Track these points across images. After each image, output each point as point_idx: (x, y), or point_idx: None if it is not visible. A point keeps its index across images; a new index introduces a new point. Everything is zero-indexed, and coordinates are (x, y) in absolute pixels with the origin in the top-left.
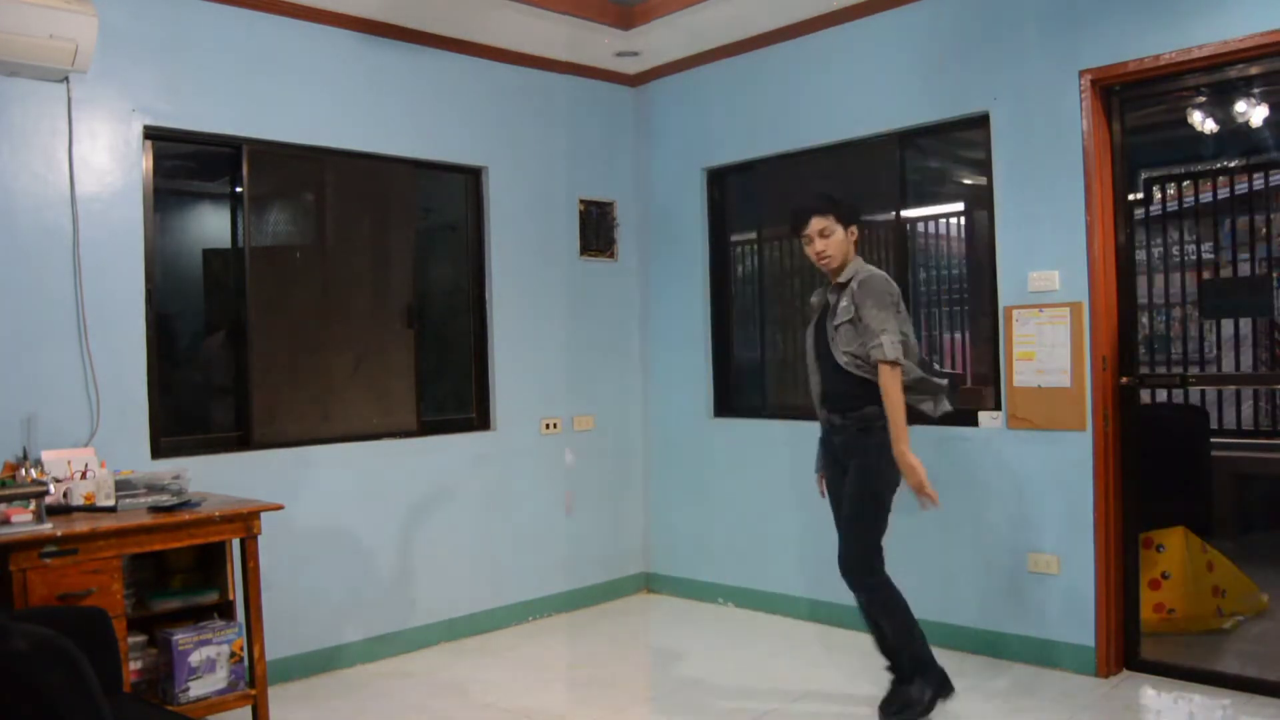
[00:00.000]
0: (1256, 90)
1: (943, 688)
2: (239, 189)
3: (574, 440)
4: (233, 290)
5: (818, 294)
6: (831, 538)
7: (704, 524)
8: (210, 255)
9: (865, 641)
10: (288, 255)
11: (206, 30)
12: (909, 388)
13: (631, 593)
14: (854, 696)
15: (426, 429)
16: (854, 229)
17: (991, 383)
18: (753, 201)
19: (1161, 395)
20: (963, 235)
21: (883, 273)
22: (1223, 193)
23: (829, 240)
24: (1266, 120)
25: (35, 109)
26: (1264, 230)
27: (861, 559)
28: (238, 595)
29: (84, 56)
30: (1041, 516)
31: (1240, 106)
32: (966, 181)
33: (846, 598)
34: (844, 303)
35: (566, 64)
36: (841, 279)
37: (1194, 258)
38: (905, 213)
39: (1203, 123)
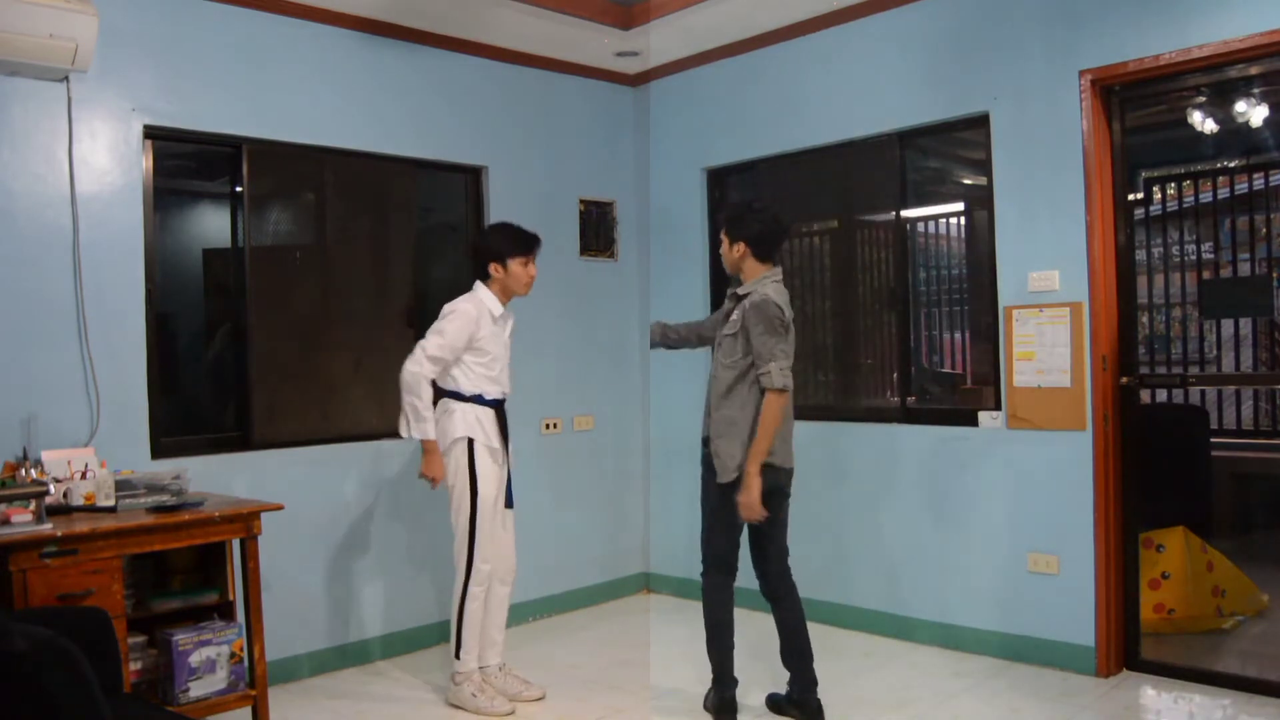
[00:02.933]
0: (1256, 90)
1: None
2: (239, 189)
3: (574, 440)
4: (233, 290)
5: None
6: (828, 538)
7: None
8: (210, 255)
9: (863, 642)
10: (288, 255)
11: (207, 29)
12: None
13: (631, 593)
14: (853, 697)
15: None
16: (740, 245)
17: (991, 383)
18: (754, 201)
19: (1161, 395)
20: (963, 235)
21: (775, 295)
22: (1223, 193)
23: (722, 252)
24: (1266, 120)
25: (35, 109)
26: (1264, 230)
27: (702, 556)
28: (238, 595)
29: (84, 56)
30: (1041, 516)
31: (1240, 106)
32: (966, 181)
33: (845, 598)
34: (735, 315)
35: (566, 64)
36: (740, 290)
37: (1194, 258)
38: (905, 213)
39: (1203, 123)
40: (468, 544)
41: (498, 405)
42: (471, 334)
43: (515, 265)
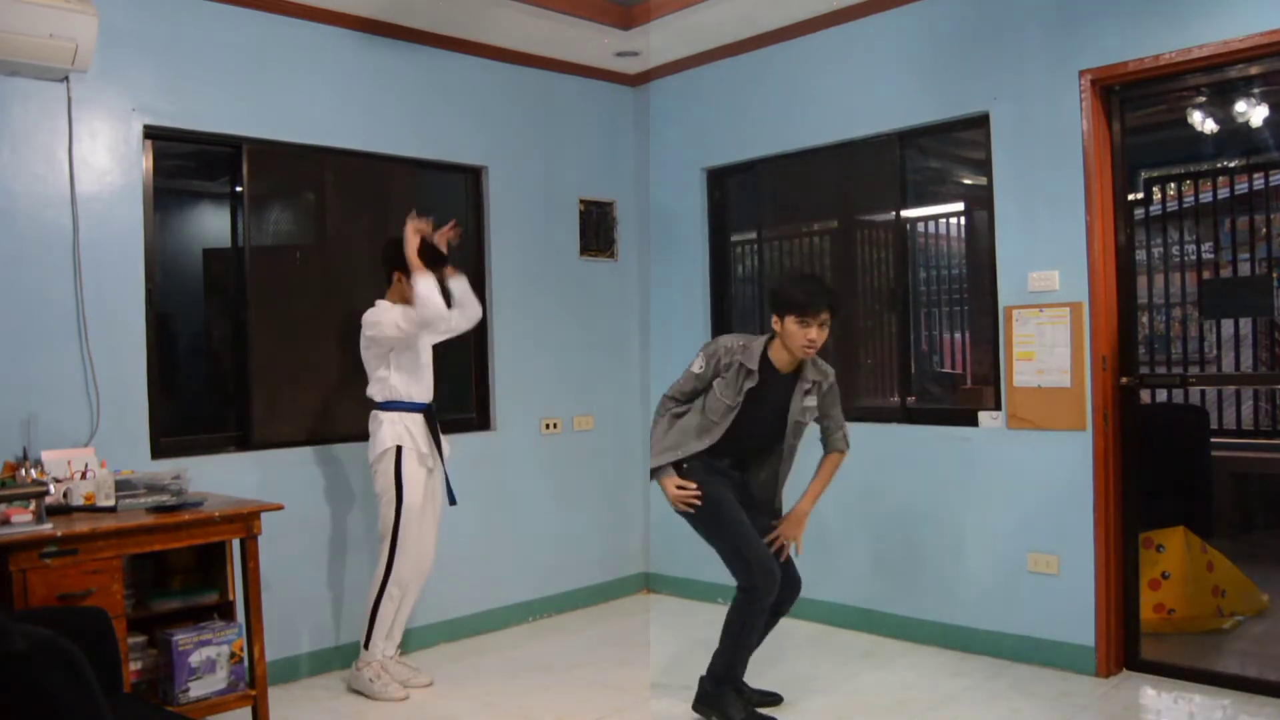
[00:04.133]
0: (1256, 90)
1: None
2: (239, 188)
3: (574, 440)
4: (233, 290)
5: (752, 362)
6: (827, 537)
7: None
8: (210, 255)
9: (864, 642)
10: (288, 255)
11: (207, 29)
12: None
13: (631, 593)
14: (853, 697)
15: None
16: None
17: (991, 383)
18: (753, 201)
19: (1161, 395)
20: (963, 235)
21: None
22: (1223, 193)
23: (826, 332)
24: (1266, 120)
25: (35, 109)
26: (1264, 230)
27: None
28: (238, 595)
29: (84, 56)
30: (1041, 516)
31: (1240, 106)
32: (966, 181)
33: (845, 598)
34: (812, 401)
35: (566, 64)
36: (798, 368)
37: (1194, 258)
38: (905, 213)
39: (1203, 123)
40: (390, 547)
41: (425, 410)
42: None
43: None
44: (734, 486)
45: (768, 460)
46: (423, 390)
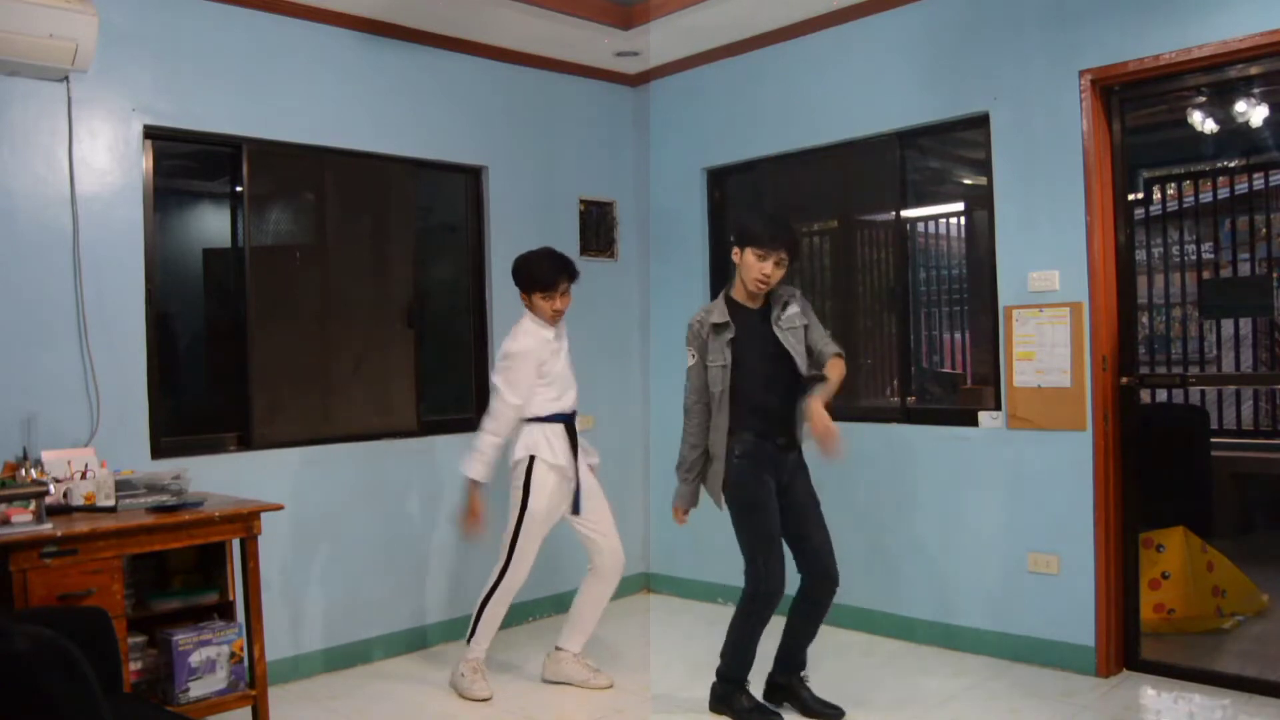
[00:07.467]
0: (1256, 90)
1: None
2: (239, 189)
3: None
4: (233, 290)
5: (719, 314)
6: (831, 537)
7: (704, 524)
8: (210, 255)
9: (860, 641)
10: (288, 255)
11: (206, 29)
12: None
13: (631, 593)
14: (854, 697)
15: (426, 429)
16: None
17: (991, 383)
18: (753, 201)
19: (1161, 395)
20: (963, 235)
21: None
22: (1223, 193)
23: (781, 271)
24: (1266, 120)
25: (35, 109)
26: (1264, 230)
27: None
28: (238, 595)
29: (84, 56)
30: (1041, 516)
31: (1240, 106)
32: (966, 181)
33: (845, 598)
34: (793, 309)
35: (566, 64)
36: (769, 295)
37: (1194, 258)
38: (905, 213)
39: (1203, 123)
40: (507, 554)
41: (565, 420)
42: (537, 368)
43: (538, 299)
44: (778, 483)
45: (798, 407)
46: (565, 401)
